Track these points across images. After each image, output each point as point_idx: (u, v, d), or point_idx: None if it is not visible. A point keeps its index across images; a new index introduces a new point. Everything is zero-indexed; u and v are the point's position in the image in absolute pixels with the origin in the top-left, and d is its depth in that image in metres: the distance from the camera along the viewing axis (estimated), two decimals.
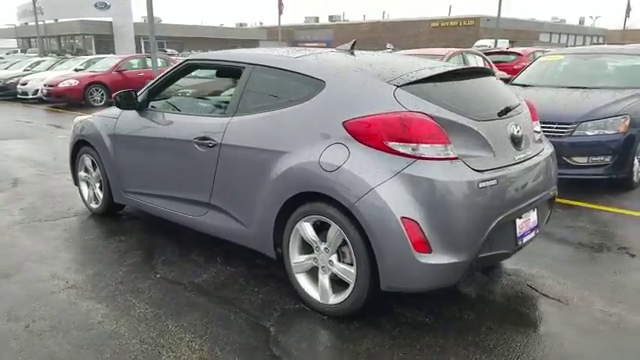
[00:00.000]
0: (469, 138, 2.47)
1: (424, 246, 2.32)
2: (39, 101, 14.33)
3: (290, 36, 60.62)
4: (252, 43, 52.47)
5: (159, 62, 15.52)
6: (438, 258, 2.34)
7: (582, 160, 4.89)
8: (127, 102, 3.60)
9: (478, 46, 28.75)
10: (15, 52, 46.76)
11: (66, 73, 14.75)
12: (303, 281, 2.76)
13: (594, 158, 4.82)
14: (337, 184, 2.45)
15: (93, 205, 4.31)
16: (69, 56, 23.77)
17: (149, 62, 15.33)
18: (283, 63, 2.96)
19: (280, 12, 35.70)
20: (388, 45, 25.74)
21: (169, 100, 3.82)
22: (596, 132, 4.81)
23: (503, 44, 27.63)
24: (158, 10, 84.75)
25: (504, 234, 2.60)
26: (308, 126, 2.65)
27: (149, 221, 4.04)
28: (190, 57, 3.84)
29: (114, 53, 41.07)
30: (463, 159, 2.41)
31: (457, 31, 51.65)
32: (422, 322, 2.63)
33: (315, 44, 54.75)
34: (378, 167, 2.37)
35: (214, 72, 4.31)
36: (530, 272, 3.23)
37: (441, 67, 2.82)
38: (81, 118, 4.39)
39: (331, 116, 2.58)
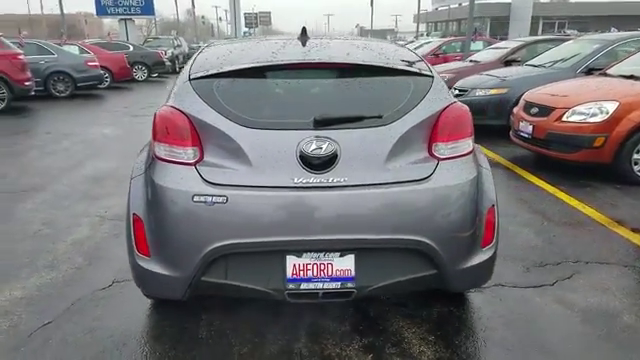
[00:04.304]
0: (224, 145, 2.16)
1: (144, 248, 2.28)
2: None
3: None
4: None
5: (480, 45, 15.49)
6: (153, 265, 2.25)
7: None
8: None
9: None
10: (421, 35, 53.74)
11: None
12: None
13: None
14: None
15: None
16: (431, 39, 25.76)
17: (478, 45, 15.49)
18: None
19: None
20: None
21: None
22: None
23: None
24: None
25: (259, 267, 2.17)
26: None
27: None
28: None
29: (507, 35, 41.60)
30: (202, 167, 2.15)
31: None
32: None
33: None
34: (147, 160, 2.44)
35: None
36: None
37: (283, 60, 2.39)
38: None
39: None
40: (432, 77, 2.40)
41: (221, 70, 2.34)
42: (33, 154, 6.61)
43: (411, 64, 2.47)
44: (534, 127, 5.44)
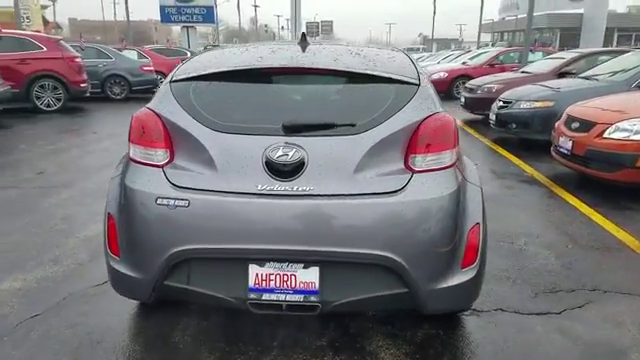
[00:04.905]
0: (193, 148, 2.15)
1: (115, 248, 2.30)
2: None
3: None
4: None
5: (539, 55, 14.88)
6: (121, 266, 2.27)
7: None
8: None
9: None
10: (486, 45, 52.36)
11: (446, 66, 16.20)
12: None
13: None
14: None
15: None
16: (489, 49, 25.02)
17: (538, 55, 14.93)
18: None
19: None
20: None
21: None
22: None
23: None
24: None
25: (221, 274, 2.14)
26: None
27: None
28: None
29: (578, 47, 39.79)
30: (169, 169, 2.15)
31: None
32: None
33: None
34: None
35: None
36: None
37: (257, 64, 2.38)
38: None
39: None
40: (418, 85, 2.29)
41: (200, 73, 2.35)
42: (74, 152, 6.96)
43: (398, 72, 2.35)
44: (574, 143, 5.11)
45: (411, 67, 2.49)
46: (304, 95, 2.32)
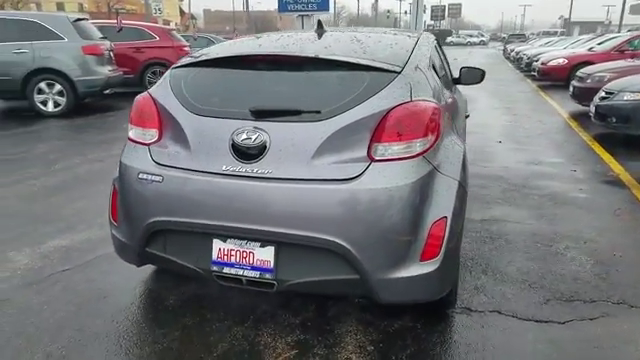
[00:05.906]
0: (175, 129, 2.37)
1: (115, 216, 2.63)
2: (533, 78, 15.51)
3: None
4: None
5: None
6: (118, 232, 2.59)
7: None
8: None
9: None
10: (637, 29, 46.63)
11: (567, 52, 14.88)
12: None
13: None
14: None
15: None
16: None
17: None
18: None
19: None
20: None
21: None
22: None
23: None
24: None
25: (190, 246, 2.35)
26: None
27: None
28: None
29: None
30: (154, 147, 2.40)
31: None
32: None
33: None
34: None
35: None
36: None
37: (246, 50, 2.53)
38: None
39: None
40: (397, 73, 2.27)
41: (194, 60, 2.58)
42: None
43: (381, 59, 2.35)
44: None
45: (405, 55, 2.48)
46: (280, 81, 2.40)
